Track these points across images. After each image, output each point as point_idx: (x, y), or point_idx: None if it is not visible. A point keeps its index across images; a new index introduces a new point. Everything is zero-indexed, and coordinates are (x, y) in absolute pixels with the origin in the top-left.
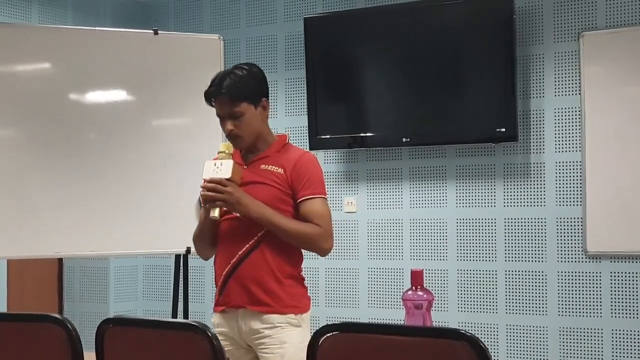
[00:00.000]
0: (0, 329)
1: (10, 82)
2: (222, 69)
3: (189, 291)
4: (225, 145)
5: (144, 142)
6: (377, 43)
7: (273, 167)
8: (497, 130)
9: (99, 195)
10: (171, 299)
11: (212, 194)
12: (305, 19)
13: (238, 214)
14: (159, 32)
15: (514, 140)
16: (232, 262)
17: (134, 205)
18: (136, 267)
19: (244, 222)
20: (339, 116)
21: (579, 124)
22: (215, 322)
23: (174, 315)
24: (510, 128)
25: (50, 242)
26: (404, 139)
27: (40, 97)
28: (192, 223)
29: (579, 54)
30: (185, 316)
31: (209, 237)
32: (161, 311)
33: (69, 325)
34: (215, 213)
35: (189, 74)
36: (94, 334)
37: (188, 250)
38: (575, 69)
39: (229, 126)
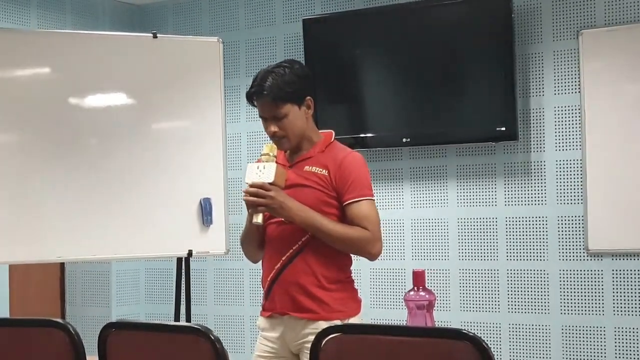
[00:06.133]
0: (3, 334)
1: (9, 87)
2: (222, 72)
3: (191, 294)
4: (269, 147)
5: (144, 146)
6: (376, 43)
7: (316, 168)
8: (497, 129)
9: (100, 199)
10: (173, 302)
11: (254, 198)
12: (303, 20)
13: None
14: (157, 35)
15: (514, 139)
16: (276, 267)
17: (136, 209)
18: (138, 270)
19: (289, 226)
20: (338, 117)
21: (579, 122)
22: (260, 326)
23: (177, 318)
24: (510, 127)
25: (52, 246)
26: (404, 139)
27: (40, 101)
28: (193, 226)
29: (578, 52)
30: (188, 319)
31: (256, 240)
32: (163, 314)
33: (71, 330)
34: (259, 219)
35: (188, 76)
36: (97, 338)
37: (190, 253)
38: (575, 67)
39: (273, 128)
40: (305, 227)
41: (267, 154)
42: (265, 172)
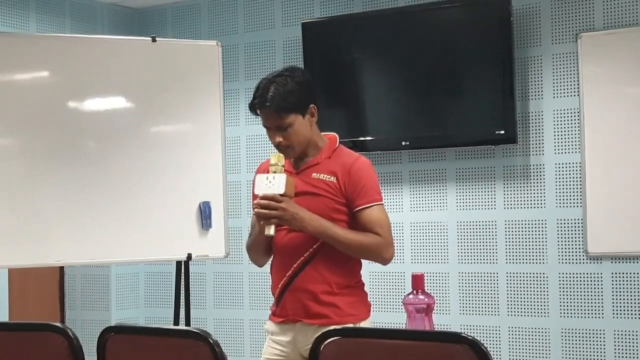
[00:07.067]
0: (2, 338)
1: (9, 91)
2: (221, 75)
3: (191, 298)
4: (276, 157)
5: (143, 149)
6: (375, 47)
7: (325, 175)
8: (496, 132)
9: (99, 203)
10: (173, 306)
11: (266, 211)
12: (303, 24)
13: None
14: (156, 39)
15: (513, 142)
16: (287, 274)
17: (135, 212)
18: (137, 274)
19: (299, 234)
20: (337, 121)
21: (578, 125)
22: (269, 330)
23: (176, 322)
24: (510, 130)
25: (51, 250)
26: (403, 143)
27: (38, 105)
28: (193, 230)
29: (577, 55)
30: (187, 323)
31: (264, 248)
32: (163, 318)
33: (70, 334)
34: (271, 231)
35: (187, 80)
36: (96, 342)
37: (189, 257)
38: (574, 70)
39: (278, 138)
40: (318, 236)
41: (276, 164)
42: (275, 182)
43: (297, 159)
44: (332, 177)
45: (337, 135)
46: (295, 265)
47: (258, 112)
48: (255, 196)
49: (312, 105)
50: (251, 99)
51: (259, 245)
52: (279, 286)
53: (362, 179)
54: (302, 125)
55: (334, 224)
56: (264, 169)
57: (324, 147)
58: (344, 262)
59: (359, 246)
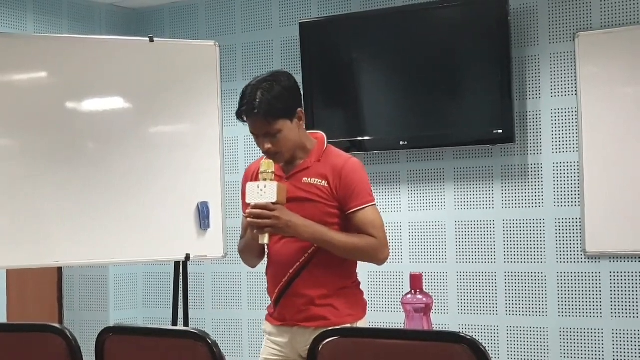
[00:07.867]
0: (1, 339)
1: (6, 92)
2: (219, 75)
3: (189, 298)
4: (266, 164)
5: (141, 150)
6: (373, 47)
7: (316, 179)
8: (494, 132)
9: (97, 203)
10: (171, 306)
11: (259, 220)
12: (300, 24)
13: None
14: (154, 39)
15: (511, 141)
16: (283, 280)
17: (133, 213)
18: (135, 274)
19: (294, 240)
20: (336, 120)
21: (576, 124)
22: (266, 330)
23: (174, 322)
24: (507, 130)
25: (50, 251)
26: (401, 142)
27: (36, 106)
28: (191, 230)
29: (574, 55)
30: (186, 323)
31: (257, 252)
32: (161, 318)
33: (69, 335)
34: (265, 239)
35: (185, 80)
36: (94, 343)
37: (187, 257)
38: (572, 69)
39: (267, 145)
40: (313, 241)
41: (266, 172)
42: (267, 191)
43: (286, 162)
44: (323, 181)
45: (324, 135)
46: (291, 271)
47: (245, 118)
48: (246, 204)
49: (299, 109)
50: (237, 106)
51: (252, 249)
52: (276, 292)
53: (354, 181)
54: (291, 130)
55: (329, 229)
56: (253, 171)
57: (312, 150)
58: (339, 265)
59: (353, 249)
